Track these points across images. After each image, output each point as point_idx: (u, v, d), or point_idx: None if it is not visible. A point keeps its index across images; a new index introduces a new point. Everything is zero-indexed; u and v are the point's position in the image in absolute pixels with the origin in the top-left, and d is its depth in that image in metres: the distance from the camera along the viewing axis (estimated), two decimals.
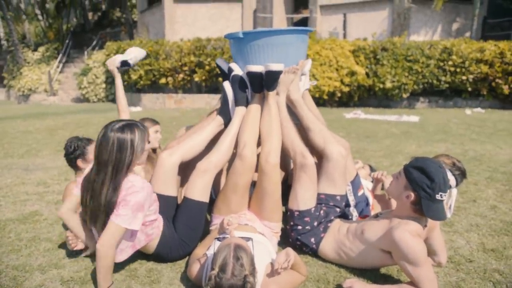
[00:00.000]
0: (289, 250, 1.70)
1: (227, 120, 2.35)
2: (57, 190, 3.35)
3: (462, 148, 5.10)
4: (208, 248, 1.84)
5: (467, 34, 13.39)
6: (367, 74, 10.65)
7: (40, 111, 11.51)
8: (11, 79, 16.81)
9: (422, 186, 1.72)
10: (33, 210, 2.84)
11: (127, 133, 1.79)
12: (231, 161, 2.20)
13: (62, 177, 3.80)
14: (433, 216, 1.73)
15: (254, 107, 2.28)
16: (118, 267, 1.99)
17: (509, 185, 3.44)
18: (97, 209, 1.78)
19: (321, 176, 2.19)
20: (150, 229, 1.94)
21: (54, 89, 15.63)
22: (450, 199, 2.47)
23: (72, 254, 2.16)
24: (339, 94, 10.65)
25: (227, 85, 2.37)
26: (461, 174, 2.42)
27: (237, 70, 2.37)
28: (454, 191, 2.45)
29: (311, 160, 2.11)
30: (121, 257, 1.90)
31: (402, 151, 4.91)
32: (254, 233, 1.94)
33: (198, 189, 2.04)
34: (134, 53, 2.78)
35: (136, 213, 1.78)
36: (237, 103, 2.33)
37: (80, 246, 2.10)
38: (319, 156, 2.29)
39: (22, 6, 20.45)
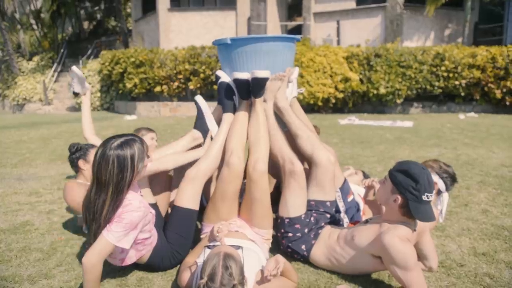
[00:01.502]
0: (279, 257, 1.70)
1: (204, 133, 2.35)
2: (49, 199, 3.33)
3: (455, 153, 5.13)
4: (198, 256, 1.83)
5: (459, 39, 13.56)
6: (361, 80, 10.73)
7: (35, 120, 11.47)
8: (6, 89, 16.75)
9: (408, 188, 1.74)
10: (25, 220, 2.82)
11: (127, 150, 1.75)
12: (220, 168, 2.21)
13: (54, 186, 3.78)
14: (421, 217, 1.74)
15: (242, 114, 2.29)
16: (109, 276, 1.98)
17: (500, 189, 3.46)
18: (97, 230, 1.76)
19: (310, 182, 2.20)
20: (142, 246, 1.92)
21: (49, 98, 15.59)
22: (441, 204, 2.48)
23: (63, 264, 2.15)
24: (333, 101, 10.71)
25: (199, 99, 2.40)
26: (450, 177, 2.43)
27: (224, 77, 2.38)
28: (445, 195, 2.46)
29: (299, 167, 2.12)
30: (113, 263, 1.90)
31: (396, 156, 4.94)
32: (245, 240, 1.94)
33: (188, 197, 2.04)
34: (74, 82, 2.93)
35: (129, 231, 1.76)
36: (224, 109, 2.34)
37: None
38: (308, 162, 2.30)
39: (17, 15, 20.47)
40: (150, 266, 2.01)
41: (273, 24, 14.63)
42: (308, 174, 2.24)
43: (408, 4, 13.25)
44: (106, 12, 22.67)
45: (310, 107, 10.81)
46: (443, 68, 10.35)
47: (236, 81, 2.24)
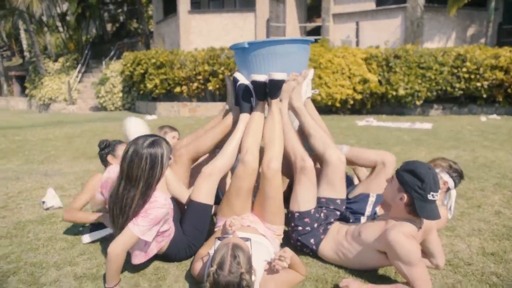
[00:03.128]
0: (287, 249, 1.79)
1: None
2: (74, 194, 3.51)
3: (472, 155, 5.08)
4: (210, 248, 1.93)
5: (482, 40, 13.26)
6: (379, 81, 10.65)
7: (60, 119, 11.89)
8: (33, 89, 17.40)
9: (414, 187, 1.79)
10: (51, 213, 3.00)
11: (158, 149, 1.87)
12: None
13: (78, 181, 3.96)
14: (427, 216, 1.80)
15: (258, 115, 2.38)
16: (128, 265, 2.10)
17: None
18: (124, 223, 1.87)
19: (321, 180, 2.28)
20: (161, 237, 2.04)
21: (73, 98, 16.11)
22: (449, 200, 2.51)
23: (86, 253, 2.29)
24: (351, 102, 10.68)
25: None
26: (459, 176, 2.45)
27: (242, 80, 2.48)
28: (453, 192, 2.50)
29: (310, 163, 2.20)
30: (135, 261, 2.02)
31: (411, 158, 4.92)
32: (256, 234, 2.03)
33: (204, 192, 2.15)
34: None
35: (152, 226, 1.89)
36: (241, 110, 2.43)
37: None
38: (320, 161, 2.38)
39: (44, 18, 21.21)
40: (167, 256, 2.13)
41: (292, 25, 14.67)
42: (320, 172, 2.32)
43: (429, 4, 13.06)
44: (128, 15, 23.19)
45: (328, 108, 10.81)
46: (464, 69, 10.16)
47: (253, 82, 2.34)
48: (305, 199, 2.18)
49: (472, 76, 10.19)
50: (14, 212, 3.02)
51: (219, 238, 1.78)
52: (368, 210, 2.41)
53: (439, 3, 13.13)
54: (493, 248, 2.33)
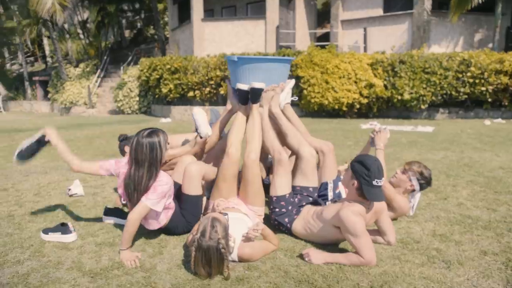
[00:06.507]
0: (260, 222, 2.26)
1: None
2: (94, 185, 4.07)
3: (459, 156, 5.43)
4: None
5: (490, 45, 13.43)
6: (385, 86, 10.99)
7: (80, 122, 12.63)
8: (55, 93, 18.33)
9: (362, 175, 2.24)
10: (75, 199, 3.55)
11: (154, 137, 2.41)
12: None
13: (98, 175, 4.51)
14: (372, 198, 2.24)
15: (240, 116, 2.89)
16: (137, 237, 2.60)
17: (485, 187, 3.81)
18: (139, 197, 2.39)
19: (296, 172, 2.75)
20: (166, 209, 2.57)
21: (93, 102, 16.93)
22: (414, 199, 2.93)
23: (104, 228, 2.81)
24: (358, 106, 11.05)
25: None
26: (426, 183, 2.84)
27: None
28: (418, 194, 2.91)
29: (285, 156, 2.68)
30: (149, 227, 2.58)
31: (400, 158, 5.31)
32: (238, 213, 2.51)
33: (192, 187, 2.63)
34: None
35: (160, 199, 2.42)
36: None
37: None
38: (295, 156, 2.85)
39: (66, 26, 22.26)
40: (168, 229, 2.64)
41: (302, 32, 15.14)
42: (295, 165, 2.79)
43: (435, 10, 13.32)
44: (145, 21, 24.07)
45: (335, 112, 11.21)
46: (469, 74, 10.41)
47: (238, 90, 2.84)
48: (281, 186, 2.65)
49: (477, 81, 10.42)
50: (46, 198, 3.59)
51: (203, 214, 2.27)
52: (330, 195, 2.87)
53: (446, 8, 13.39)
54: (443, 230, 2.74)
